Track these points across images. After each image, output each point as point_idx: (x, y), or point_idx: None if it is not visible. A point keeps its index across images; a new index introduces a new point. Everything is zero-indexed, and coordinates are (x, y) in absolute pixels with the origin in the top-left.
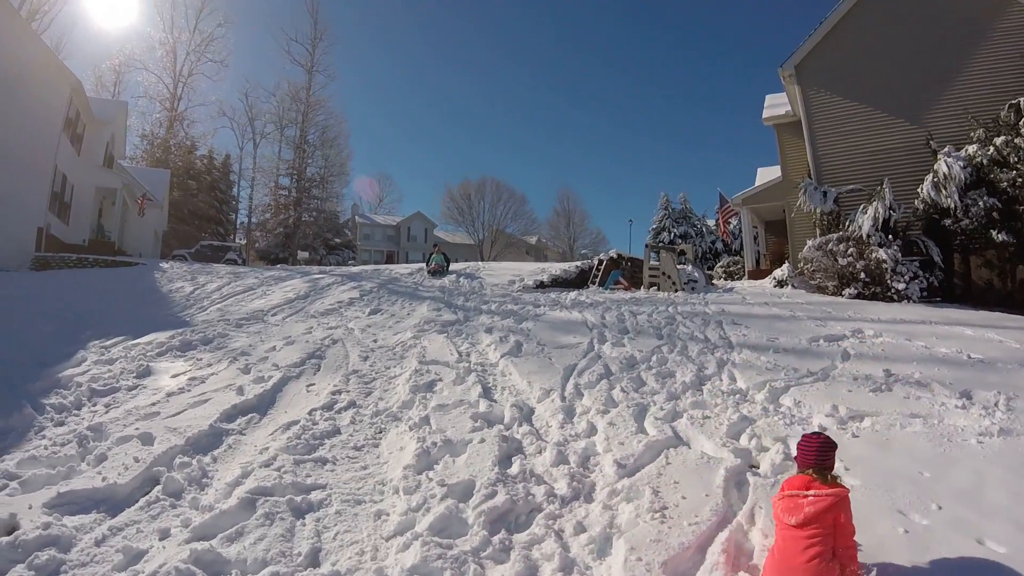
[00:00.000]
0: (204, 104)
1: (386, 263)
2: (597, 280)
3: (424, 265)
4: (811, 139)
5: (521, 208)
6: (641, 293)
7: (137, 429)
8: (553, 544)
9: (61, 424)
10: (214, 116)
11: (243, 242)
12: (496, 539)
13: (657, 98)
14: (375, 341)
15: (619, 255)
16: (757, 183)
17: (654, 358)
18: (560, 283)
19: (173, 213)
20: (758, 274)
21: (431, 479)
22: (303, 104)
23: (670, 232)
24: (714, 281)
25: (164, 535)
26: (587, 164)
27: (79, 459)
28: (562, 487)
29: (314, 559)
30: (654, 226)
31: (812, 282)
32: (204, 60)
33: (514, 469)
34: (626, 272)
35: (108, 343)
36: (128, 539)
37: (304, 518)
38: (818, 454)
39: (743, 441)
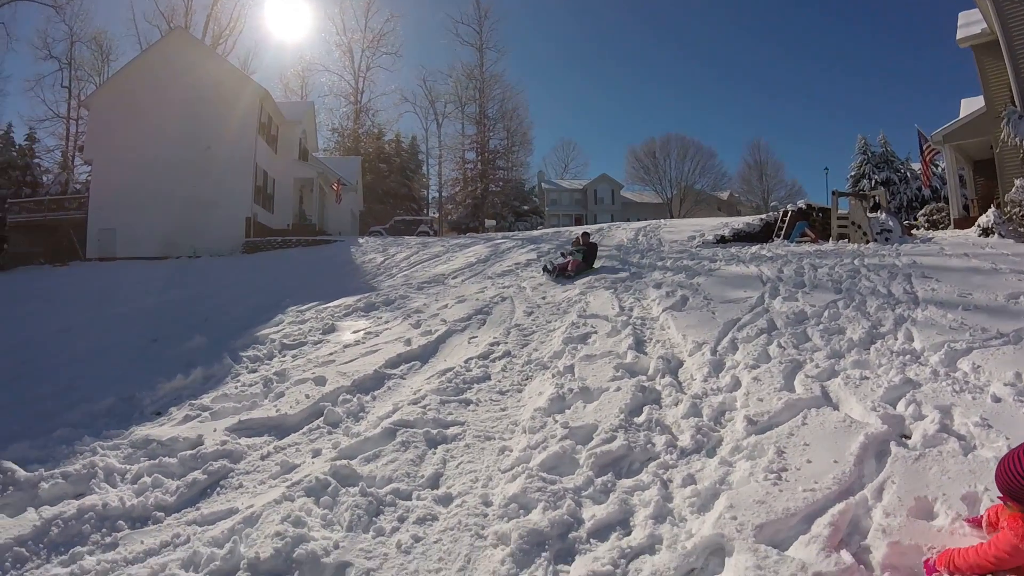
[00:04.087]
0: (385, 94)
1: (575, 226)
2: (783, 233)
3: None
4: (1011, 58)
5: (709, 163)
6: (829, 245)
7: (313, 374)
8: (655, 492)
9: (253, 371)
10: (396, 103)
11: (435, 215)
12: (599, 481)
13: (846, 32)
14: (543, 298)
15: (809, 205)
16: (961, 116)
17: (826, 313)
18: (743, 237)
19: (368, 194)
20: (965, 222)
21: (556, 421)
22: (478, 81)
23: (870, 179)
24: (914, 231)
25: (316, 454)
26: (778, 113)
27: (262, 396)
28: (685, 439)
29: (434, 482)
30: (852, 173)
31: (1021, 229)
32: (379, 54)
33: (641, 418)
34: (816, 223)
35: (303, 308)
36: (287, 456)
37: (436, 448)
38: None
39: (900, 408)
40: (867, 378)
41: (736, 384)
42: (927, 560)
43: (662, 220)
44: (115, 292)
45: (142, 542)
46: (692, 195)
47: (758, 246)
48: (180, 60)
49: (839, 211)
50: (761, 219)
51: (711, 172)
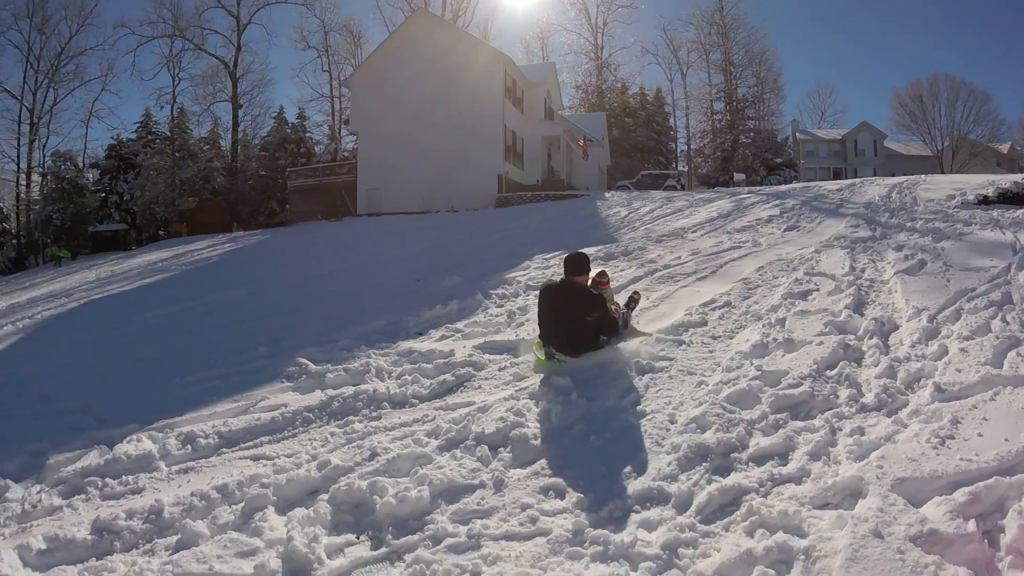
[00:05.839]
0: (625, 47)
1: (831, 181)
2: None
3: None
4: None
5: (984, 108)
6: None
7: None
8: (821, 436)
9: (500, 306)
10: (638, 56)
11: (684, 169)
12: (773, 418)
13: None
14: (776, 255)
15: None
16: None
17: None
18: (1009, 198)
19: (615, 149)
20: None
21: (752, 364)
22: (720, 26)
23: None
24: None
25: None
26: None
27: (505, 325)
28: (870, 397)
29: (635, 400)
30: None
31: None
32: (615, 8)
33: (834, 372)
34: None
35: (548, 256)
36: (519, 370)
37: (643, 376)
38: None
39: None
40: None
41: (943, 353)
42: None
43: (921, 176)
44: (383, 241)
45: (399, 417)
46: (966, 146)
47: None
48: (425, 37)
49: None
50: None
51: (986, 119)
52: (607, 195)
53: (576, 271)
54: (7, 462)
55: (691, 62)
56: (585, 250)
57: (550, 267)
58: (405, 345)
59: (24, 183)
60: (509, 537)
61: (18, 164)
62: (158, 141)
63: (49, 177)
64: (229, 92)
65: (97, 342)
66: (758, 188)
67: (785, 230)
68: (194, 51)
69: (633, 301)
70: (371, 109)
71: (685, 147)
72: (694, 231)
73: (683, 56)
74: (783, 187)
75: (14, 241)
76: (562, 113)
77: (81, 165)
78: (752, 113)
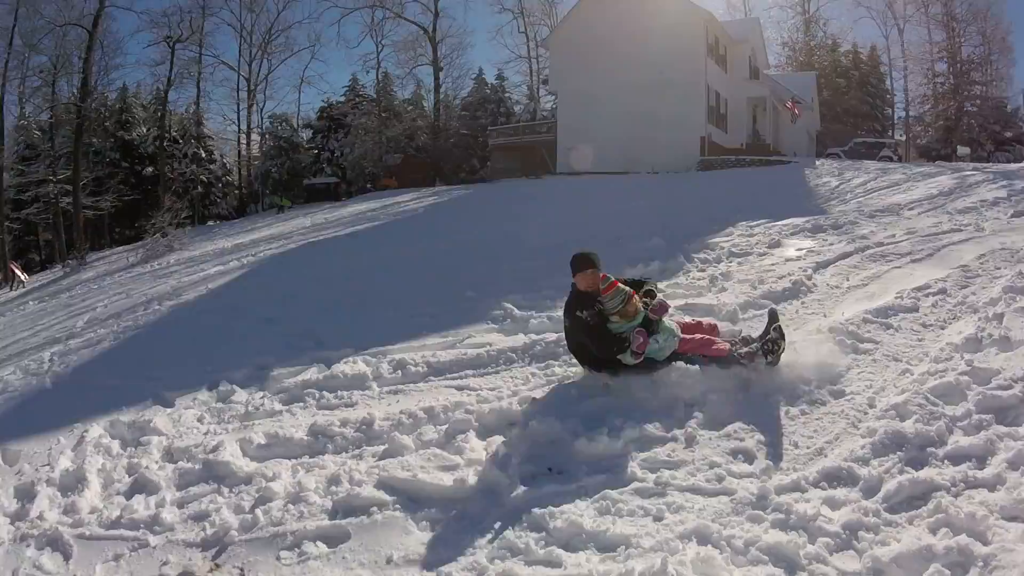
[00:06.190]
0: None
1: None
2: None
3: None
4: None
5: None
6: None
7: (752, 277)
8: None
9: (702, 270)
10: (849, 8)
11: (900, 138)
12: (977, 417)
13: None
14: (1001, 243)
15: None
16: None
17: None
18: None
19: (825, 112)
20: None
21: (962, 359)
22: None
23: None
24: None
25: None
26: None
27: (707, 289)
28: None
29: (835, 379)
30: None
31: None
32: None
33: None
34: None
35: (753, 223)
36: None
37: (846, 357)
38: None
39: None
40: None
41: None
42: None
43: None
44: (583, 200)
45: None
46: None
47: None
48: None
49: None
50: None
51: None
52: (816, 163)
53: (572, 271)
54: (235, 371)
55: (908, 16)
56: (793, 220)
57: (754, 235)
58: None
59: (244, 142)
60: (694, 490)
61: (238, 126)
62: (365, 103)
63: (267, 136)
64: (430, 56)
65: (316, 277)
66: (984, 165)
67: (1012, 216)
68: (394, 19)
69: (771, 354)
70: (569, 69)
71: (903, 113)
72: (911, 208)
73: (899, 9)
74: (1013, 166)
75: (236, 192)
76: (768, 73)
77: (296, 125)
78: (978, 77)
